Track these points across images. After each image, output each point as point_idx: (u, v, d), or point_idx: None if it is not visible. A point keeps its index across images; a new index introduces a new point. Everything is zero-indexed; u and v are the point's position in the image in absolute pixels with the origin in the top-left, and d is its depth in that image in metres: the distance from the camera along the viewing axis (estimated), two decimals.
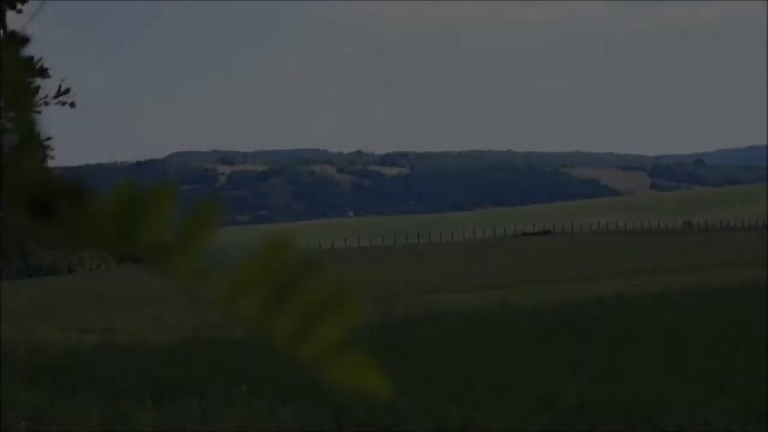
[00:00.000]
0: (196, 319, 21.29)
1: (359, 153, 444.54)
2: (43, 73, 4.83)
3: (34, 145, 0.95)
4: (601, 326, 17.03)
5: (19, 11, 5.29)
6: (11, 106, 0.97)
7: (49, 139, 4.54)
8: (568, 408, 10.94)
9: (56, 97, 5.65)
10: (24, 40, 1.23)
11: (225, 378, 13.31)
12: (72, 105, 5.77)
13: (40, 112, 5.54)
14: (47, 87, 5.52)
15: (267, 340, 0.91)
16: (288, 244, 0.91)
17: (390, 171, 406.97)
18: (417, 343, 16.26)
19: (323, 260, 0.90)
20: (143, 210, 0.91)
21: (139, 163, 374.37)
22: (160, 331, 20.80)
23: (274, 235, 0.92)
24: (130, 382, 13.59)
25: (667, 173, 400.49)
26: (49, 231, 0.92)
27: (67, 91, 5.69)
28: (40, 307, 28.97)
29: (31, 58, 4.84)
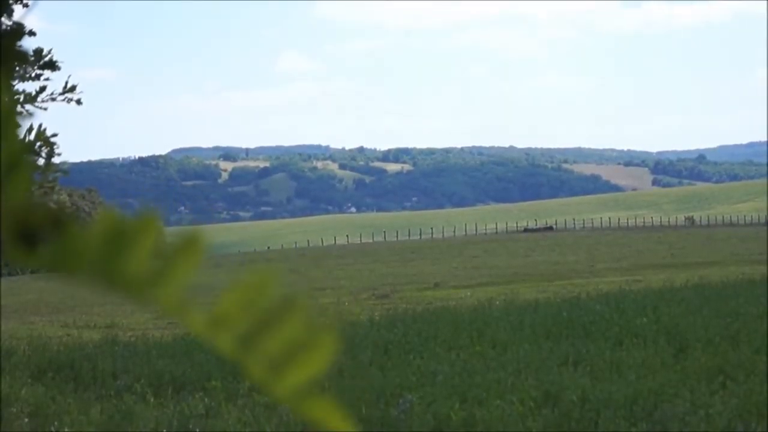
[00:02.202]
0: None
1: (361, 149, 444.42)
2: (53, 66, 4.82)
3: (22, 172, 0.94)
4: (603, 322, 17.03)
5: (26, 5, 5.27)
6: None
7: (55, 135, 4.56)
8: (570, 403, 10.95)
9: (63, 93, 5.65)
10: (20, 31, 1.21)
11: (227, 374, 13.33)
12: (78, 102, 5.77)
13: (45, 109, 5.55)
14: (55, 82, 5.53)
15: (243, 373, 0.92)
16: (271, 280, 0.91)
17: (392, 167, 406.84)
18: (419, 339, 16.27)
19: (304, 298, 0.90)
20: (127, 241, 0.91)
21: (141, 160, 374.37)
22: (162, 327, 20.82)
23: (257, 271, 0.91)
24: (132, 378, 13.61)
25: (669, 169, 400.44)
26: (33, 260, 0.91)
27: (74, 88, 5.69)
28: (43, 304, 28.99)
29: (40, 51, 4.85)
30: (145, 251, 0.91)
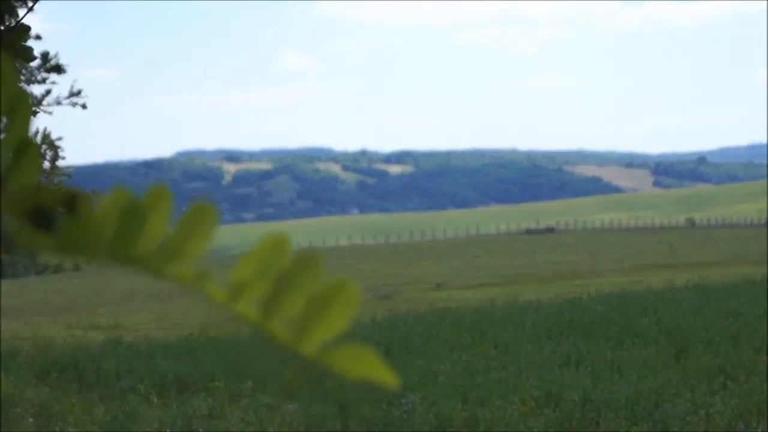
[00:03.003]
0: (201, 315, 21.38)
1: (364, 151, 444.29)
2: (59, 69, 4.87)
3: (32, 153, 0.96)
4: (604, 322, 17.08)
5: (31, 9, 5.31)
6: (8, 115, 0.98)
7: (60, 139, 4.60)
8: (572, 403, 11.00)
9: (68, 97, 5.70)
10: (25, 31, 1.24)
11: (230, 374, 13.38)
12: (84, 107, 5.82)
13: (51, 113, 5.61)
14: (60, 85, 5.58)
15: (269, 337, 0.92)
16: (286, 241, 0.93)
17: (394, 169, 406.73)
18: (421, 339, 16.32)
19: (320, 255, 0.93)
20: (139, 217, 0.92)
21: (145, 162, 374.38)
22: (165, 327, 20.87)
23: (271, 234, 0.93)
24: (136, 379, 13.66)
25: (669, 171, 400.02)
26: (45, 241, 0.92)
27: (79, 92, 5.74)
28: (47, 305, 29.04)
29: (46, 54, 4.90)
30: (159, 227, 0.93)
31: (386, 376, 0.93)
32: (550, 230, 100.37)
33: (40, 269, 54.19)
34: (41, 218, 0.91)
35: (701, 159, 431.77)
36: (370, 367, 0.93)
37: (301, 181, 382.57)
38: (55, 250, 0.93)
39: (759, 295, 19.87)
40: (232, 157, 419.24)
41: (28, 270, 53.23)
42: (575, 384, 11.94)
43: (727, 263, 34.24)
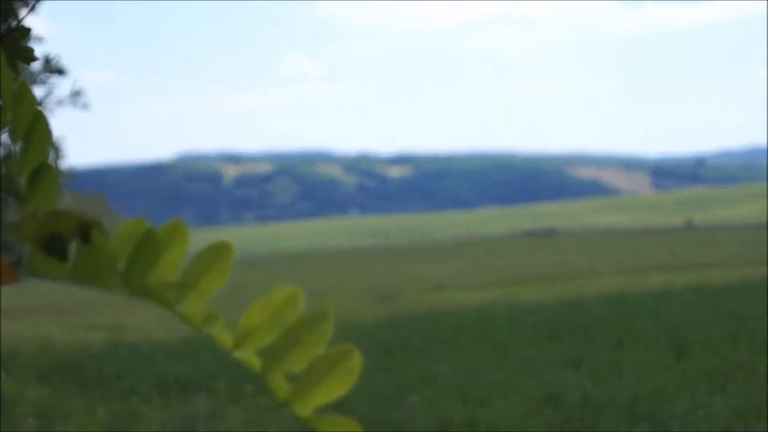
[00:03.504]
0: None
1: (364, 153, 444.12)
2: (61, 72, 4.91)
3: (50, 178, 0.96)
4: (603, 323, 17.12)
5: (32, 9, 5.34)
6: (25, 139, 0.97)
7: (61, 138, 4.64)
8: (572, 404, 11.04)
9: (71, 95, 5.75)
10: (25, 32, 1.25)
11: (231, 375, 13.41)
12: (85, 107, 5.87)
13: (52, 114, 5.66)
14: (61, 87, 5.63)
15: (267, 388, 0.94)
16: (299, 296, 0.93)
17: (395, 171, 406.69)
18: (421, 340, 16.35)
19: (330, 315, 0.93)
20: (155, 248, 0.91)
21: (145, 164, 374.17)
22: (167, 328, 20.88)
23: (285, 287, 0.93)
24: (137, 380, 13.69)
25: (668, 172, 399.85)
26: (58, 268, 0.92)
27: (79, 93, 5.79)
28: (48, 305, 29.06)
29: (48, 57, 4.94)
30: (175, 259, 0.93)
31: None
32: (549, 232, 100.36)
33: (60, 278, 54.10)
34: (56, 245, 0.90)
35: (700, 161, 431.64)
36: None
37: (301, 183, 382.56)
38: (68, 277, 0.93)
39: (758, 296, 19.89)
40: (233, 159, 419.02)
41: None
42: (575, 385, 11.97)
43: (726, 265, 34.25)
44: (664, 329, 16.12)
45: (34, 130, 0.98)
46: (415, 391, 11.99)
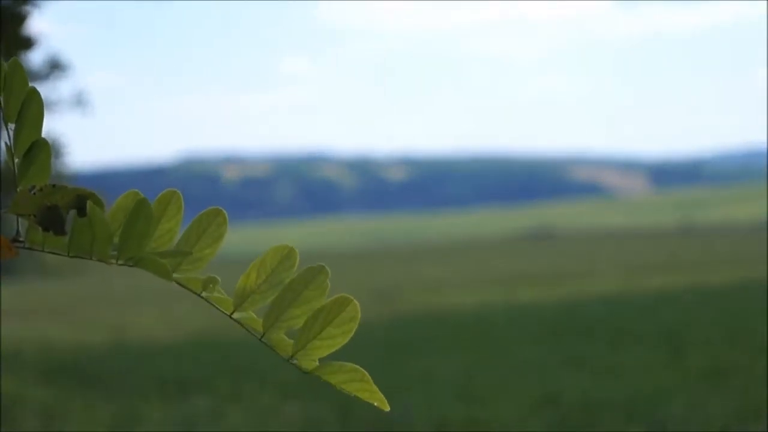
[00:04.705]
0: (203, 317, 21.42)
1: (364, 153, 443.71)
2: (62, 71, 4.95)
3: (44, 154, 0.98)
4: (602, 324, 17.15)
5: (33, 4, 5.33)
6: (18, 115, 0.99)
7: (64, 139, 4.67)
8: (571, 404, 11.07)
9: (73, 99, 5.80)
10: (23, 18, 1.24)
11: (232, 375, 13.44)
12: (87, 107, 5.92)
13: (55, 114, 5.72)
14: (63, 88, 5.67)
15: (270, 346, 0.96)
16: (293, 253, 0.96)
17: (394, 171, 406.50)
18: (421, 340, 16.38)
19: (325, 270, 0.96)
20: (150, 218, 0.93)
21: (146, 164, 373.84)
22: (168, 329, 20.91)
23: (280, 245, 0.96)
24: (139, 380, 13.71)
25: (667, 174, 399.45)
26: (55, 241, 0.94)
27: (82, 95, 5.83)
28: (51, 306, 29.08)
29: (51, 58, 5.00)
30: (170, 229, 0.96)
31: (378, 399, 0.98)
32: (549, 232, 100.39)
33: (56, 251, 53.96)
34: (53, 219, 0.91)
35: (699, 162, 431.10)
36: (364, 388, 0.97)
37: (302, 184, 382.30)
38: (65, 249, 0.94)
39: (757, 296, 19.93)
40: (234, 159, 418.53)
41: (32, 271, 53.20)
42: (574, 385, 12.01)
43: (724, 265, 34.28)
44: (662, 329, 16.15)
45: (28, 107, 0.98)
46: (414, 391, 12.01)
